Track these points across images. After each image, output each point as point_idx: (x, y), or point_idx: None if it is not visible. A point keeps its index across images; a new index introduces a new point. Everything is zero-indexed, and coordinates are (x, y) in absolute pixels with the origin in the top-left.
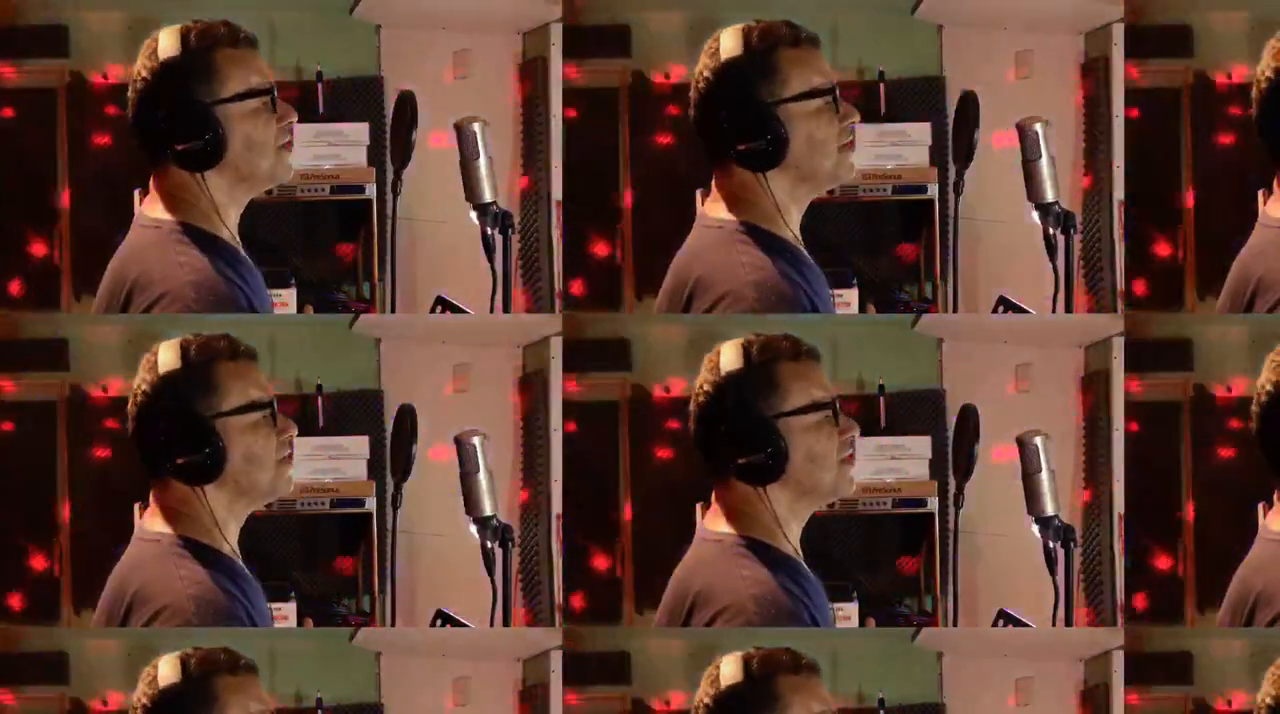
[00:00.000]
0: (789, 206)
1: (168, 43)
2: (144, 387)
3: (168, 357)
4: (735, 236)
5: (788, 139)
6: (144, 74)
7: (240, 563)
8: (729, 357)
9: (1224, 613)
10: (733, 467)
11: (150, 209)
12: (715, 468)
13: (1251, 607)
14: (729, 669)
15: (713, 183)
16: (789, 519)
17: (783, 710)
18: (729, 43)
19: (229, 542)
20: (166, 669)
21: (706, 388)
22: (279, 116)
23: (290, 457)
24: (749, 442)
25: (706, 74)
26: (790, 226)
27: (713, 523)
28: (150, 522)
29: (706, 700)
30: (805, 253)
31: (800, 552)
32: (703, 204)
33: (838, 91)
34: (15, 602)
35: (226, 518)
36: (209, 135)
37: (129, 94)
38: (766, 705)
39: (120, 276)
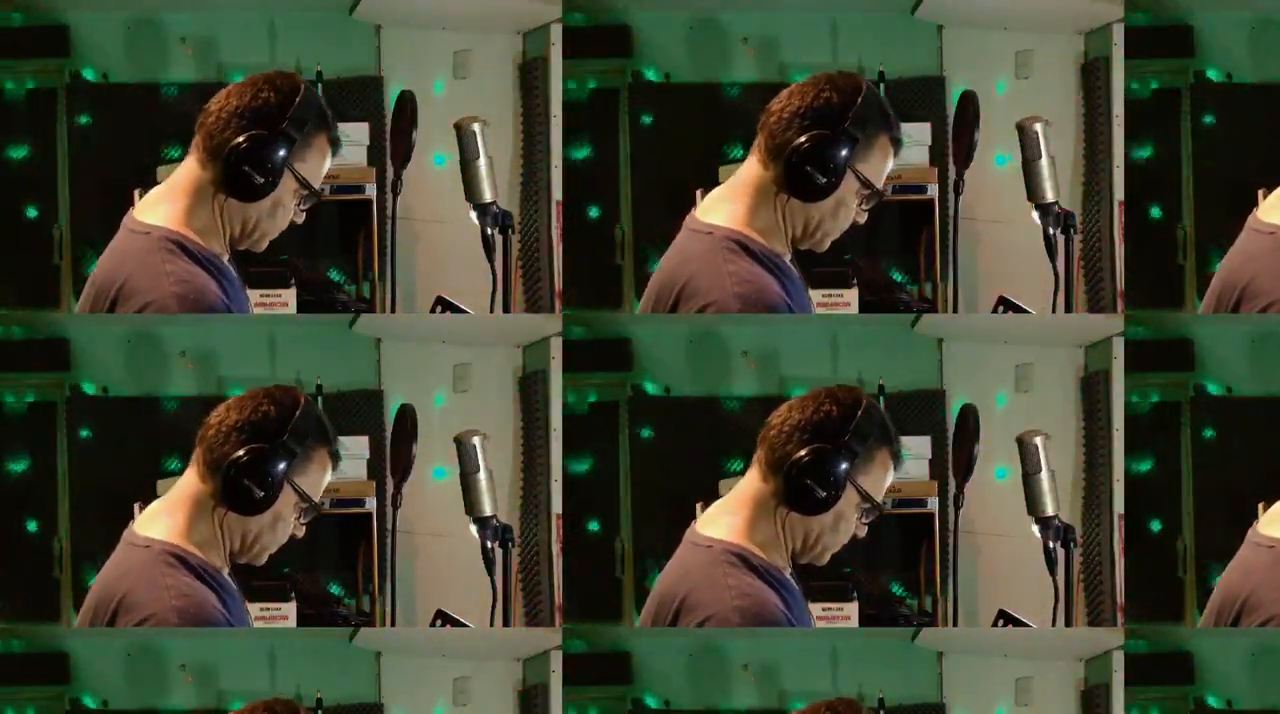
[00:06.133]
0: (785, 226)
1: (306, 95)
2: (269, 410)
3: (308, 410)
4: (724, 244)
5: (831, 191)
6: (268, 95)
7: (225, 575)
8: (869, 404)
9: (1208, 616)
10: (792, 475)
11: (142, 213)
12: (767, 466)
13: (1238, 611)
14: None
15: (721, 176)
16: (787, 539)
17: None
18: (869, 92)
19: (218, 555)
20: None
21: (829, 408)
22: (299, 208)
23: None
24: (827, 473)
25: (828, 95)
26: (780, 240)
27: (706, 526)
28: (143, 524)
29: None
30: (790, 267)
31: (787, 565)
32: (699, 203)
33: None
34: (16, 602)
35: (223, 537)
36: (268, 179)
37: (229, 94)
38: None
39: (108, 282)
